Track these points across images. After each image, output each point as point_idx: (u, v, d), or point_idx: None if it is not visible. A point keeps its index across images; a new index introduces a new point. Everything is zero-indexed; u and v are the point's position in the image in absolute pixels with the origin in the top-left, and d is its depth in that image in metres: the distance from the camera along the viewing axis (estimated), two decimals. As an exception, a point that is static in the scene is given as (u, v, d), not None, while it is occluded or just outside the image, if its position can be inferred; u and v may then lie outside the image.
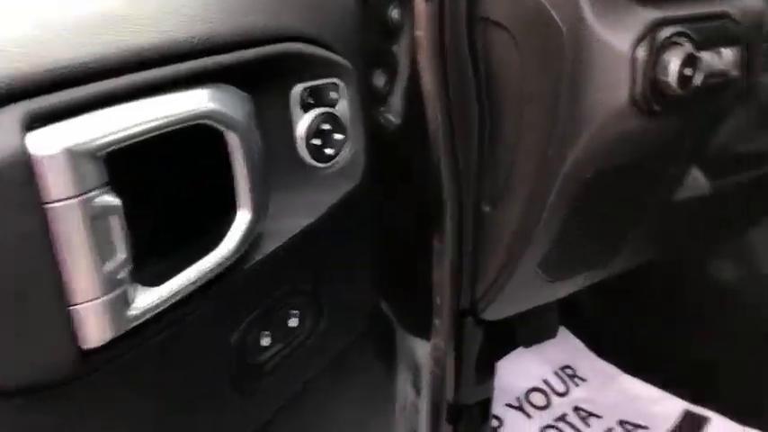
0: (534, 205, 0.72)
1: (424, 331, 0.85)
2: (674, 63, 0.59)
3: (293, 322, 0.71)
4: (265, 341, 0.68)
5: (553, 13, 0.61)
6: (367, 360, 0.94)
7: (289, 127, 0.64)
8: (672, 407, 1.26)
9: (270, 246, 0.62)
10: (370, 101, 0.71)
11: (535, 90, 0.65)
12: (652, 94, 0.60)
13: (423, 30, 0.65)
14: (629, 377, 1.32)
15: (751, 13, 0.66)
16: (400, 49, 0.70)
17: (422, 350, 0.87)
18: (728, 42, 0.63)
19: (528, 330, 1.32)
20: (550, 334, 1.36)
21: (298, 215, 0.65)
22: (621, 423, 1.25)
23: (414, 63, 0.68)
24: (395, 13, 0.69)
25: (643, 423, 1.24)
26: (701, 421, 1.23)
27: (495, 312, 0.86)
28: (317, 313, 0.74)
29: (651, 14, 0.59)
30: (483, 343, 0.91)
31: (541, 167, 0.70)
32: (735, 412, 1.22)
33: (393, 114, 0.73)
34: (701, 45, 0.61)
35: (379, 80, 0.73)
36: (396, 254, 0.85)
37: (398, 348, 0.92)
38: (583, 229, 0.76)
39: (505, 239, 0.77)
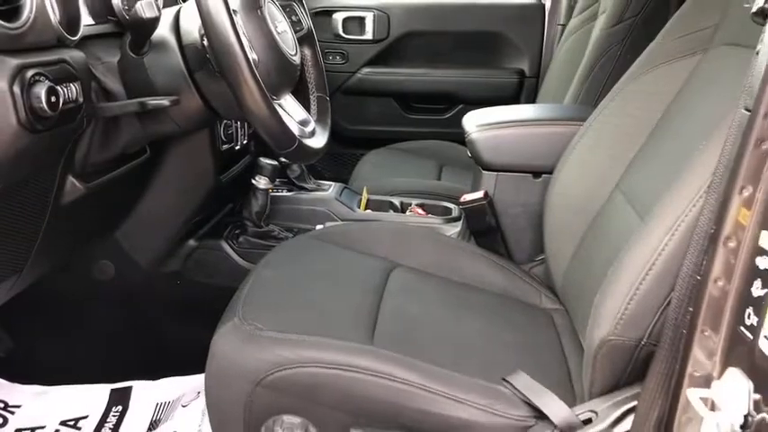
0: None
1: None
2: (42, 94, 0.84)
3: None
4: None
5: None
6: None
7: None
8: (100, 392, 1.51)
9: None
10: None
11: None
12: (33, 117, 0.84)
13: None
14: (59, 387, 1.50)
15: (78, 60, 0.96)
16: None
17: None
18: (71, 79, 0.92)
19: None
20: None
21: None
22: (63, 423, 1.43)
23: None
24: None
25: (82, 414, 1.45)
26: (126, 391, 1.52)
27: None
28: None
29: (16, 62, 0.83)
30: None
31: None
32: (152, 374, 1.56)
33: None
34: (56, 81, 0.87)
35: None
36: None
37: None
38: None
39: None
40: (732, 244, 0.66)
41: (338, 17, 2.37)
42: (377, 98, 2.43)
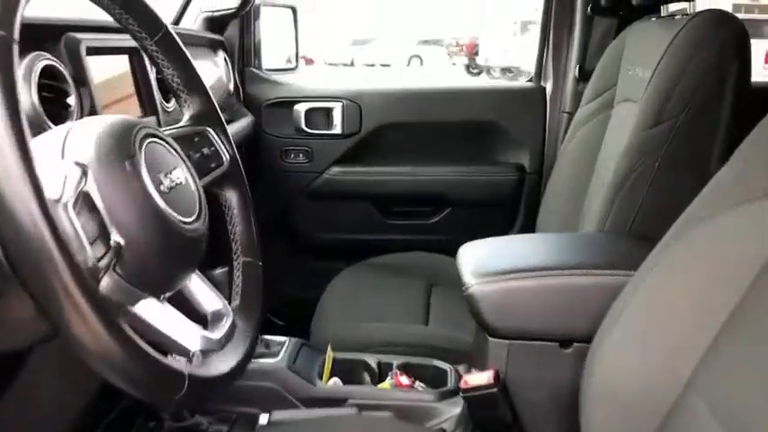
0: None
1: None
2: None
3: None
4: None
5: None
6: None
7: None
8: None
9: None
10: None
11: None
12: None
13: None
14: None
15: None
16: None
17: None
18: None
19: None
20: None
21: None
22: None
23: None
24: None
25: None
26: None
27: None
28: None
29: None
30: None
31: None
32: None
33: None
34: None
35: None
36: None
37: None
38: None
39: None
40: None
41: (300, 108, 2.00)
42: (349, 202, 2.05)
